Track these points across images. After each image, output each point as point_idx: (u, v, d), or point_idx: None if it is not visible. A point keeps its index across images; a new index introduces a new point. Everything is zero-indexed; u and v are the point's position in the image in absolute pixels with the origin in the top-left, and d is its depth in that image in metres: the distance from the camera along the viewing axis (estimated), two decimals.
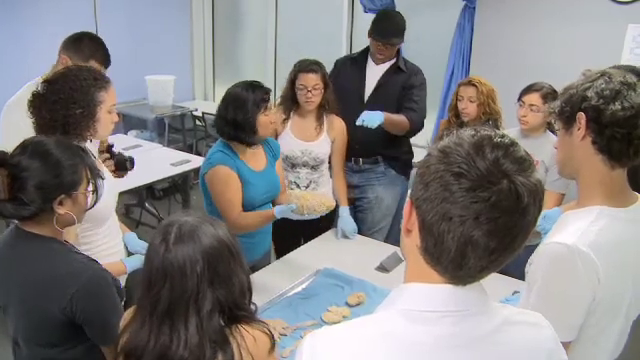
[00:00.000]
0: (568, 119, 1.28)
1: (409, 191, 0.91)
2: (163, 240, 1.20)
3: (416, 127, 3.04)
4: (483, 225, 0.79)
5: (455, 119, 2.97)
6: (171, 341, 1.19)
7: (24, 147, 1.46)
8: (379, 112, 2.79)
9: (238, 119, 2.30)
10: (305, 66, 2.71)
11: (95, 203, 1.58)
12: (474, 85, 2.86)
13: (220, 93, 6.26)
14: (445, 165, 0.81)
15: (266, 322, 1.33)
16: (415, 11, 4.60)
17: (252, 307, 1.32)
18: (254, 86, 2.32)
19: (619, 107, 1.20)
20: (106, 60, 2.47)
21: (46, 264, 1.47)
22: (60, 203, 1.47)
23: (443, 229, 0.81)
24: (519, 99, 2.69)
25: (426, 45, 4.56)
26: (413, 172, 3.25)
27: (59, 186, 1.46)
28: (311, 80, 2.68)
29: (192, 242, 1.20)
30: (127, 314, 1.33)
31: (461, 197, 0.79)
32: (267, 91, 2.34)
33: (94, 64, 2.36)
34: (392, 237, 3.33)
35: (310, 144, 2.81)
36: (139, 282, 1.25)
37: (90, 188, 1.55)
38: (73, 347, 1.53)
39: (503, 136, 0.85)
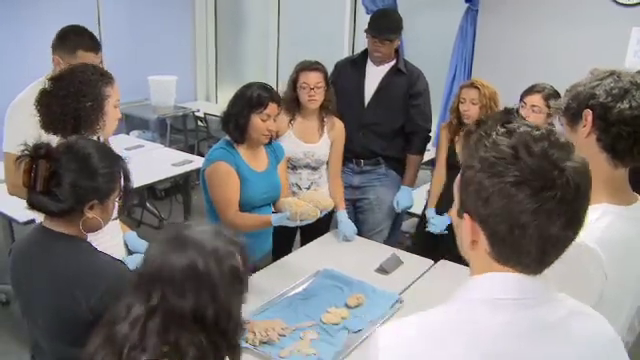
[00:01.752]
0: (574, 116, 1.28)
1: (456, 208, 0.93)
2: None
3: (426, 143, 3.19)
4: (556, 221, 0.83)
5: (457, 121, 2.97)
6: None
7: (69, 146, 1.48)
8: (407, 191, 3.13)
9: (230, 112, 2.32)
10: (307, 65, 2.72)
11: (121, 213, 1.59)
12: (476, 87, 2.86)
13: (222, 94, 6.34)
14: (498, 177, 0.83)
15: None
16: (417, 13, 4.60)
17: None
18: (260, 87, 2.31)
19: (627, 106, 1.21)
20: (93, 45, 2.42)
21: (73, 262, 1.48)
22: (91, 207, 1.48)
23: (519, 236, 0.84)
24: (521, 100, 2.69)
25: (428, 47, 4.56)
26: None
27: (94, 191, 1.47)
28: (313, 78, 2.68)
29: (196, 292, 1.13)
30: None
31: (528, 203, 0.82)
32: (271, 97, 2.29)
33: (82, 53, 2.35)
34: (392, 238, 3.33)
35: (312, 146, 2.81)
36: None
37: (118, 198, 1.56)
38: None
39: (537, 128, 0.87)
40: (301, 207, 2.20)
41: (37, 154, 1.42)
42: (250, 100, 2.28)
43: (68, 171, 1.43)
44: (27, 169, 1.41)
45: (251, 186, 2.36)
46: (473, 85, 2.88)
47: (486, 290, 0.89)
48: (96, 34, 2.52)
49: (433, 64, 4.45)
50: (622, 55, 3.44)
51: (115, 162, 1.54)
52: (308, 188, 2.82)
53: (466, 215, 0.90)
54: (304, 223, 2.21)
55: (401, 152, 3.16)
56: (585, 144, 1.26)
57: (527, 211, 0.82)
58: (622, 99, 1.21)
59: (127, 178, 1.57)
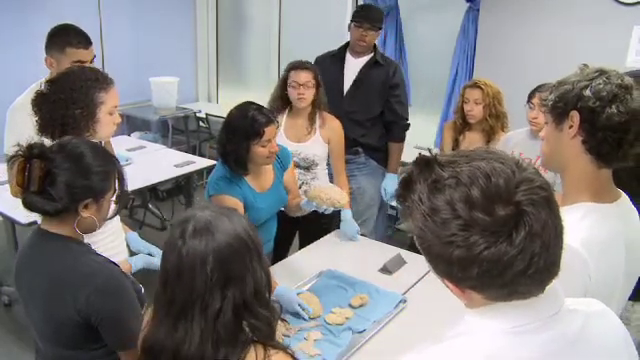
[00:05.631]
0: (560, 115, 1.26)
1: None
2: (180, 237, 1.15)
3: (405, 131, 3.33)
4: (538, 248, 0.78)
5: (461, 121, 2.98)
6: (184, 340, 1.13)
7: (61, 146, 1.47)
8: (392, 178, 3.24)
9: (227, 148, 2.22)
10: (298, 64, 2.74)
11: (117, 213, 1.58)
12: (479, 87, 2.87)
13: (224, 95, 6.34)
14: (457, 247, 0.79)
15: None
16: (419, 13, 4.61)
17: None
18: (254, 112, 2.18)
19: (615, 111, 1.18)
20: (80, 41, 2.39)
21: (64, 265, 1.47)
22: (85, 206, 1.47)
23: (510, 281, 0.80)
24: (528, 101, 2.68)
25: (429, 47, 4.55)
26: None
27: (89, 189, 1.46)
28: (303, 77, 2.69)
29: (205, 240, 1.13)
30: (148, 314, 1.28)
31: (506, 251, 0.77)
32: (267, 121, 2.17)
33: (71, 50, 2.34)
34: (379, 229, 3.47)
35: (300, 145, 2.80)
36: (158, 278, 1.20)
37: (114, 197, 1.55)
38: (94, 349, 1.51)
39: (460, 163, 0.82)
40: (324, 193, 2.27)
41: (30, 154, 1.40)
42: (246, 132, 2.16)
43: (62, 170, 1.42)
44: (21, 169, 1.40)
45: (257, 211, 2.32)
46: (476, 85, 2.89)
47: (505, 320, 0.85)
48: (98, 36, 2.53)
49: (435, 64, 4.45)
50: (623, 54, 3.44)
51: (109, 161, 1.53)
52: (299, 188, 2.81)
53: (446, 281, 0.86)
54: (320, 210, 2.29)
55: (379, 141, 3.30)
56: (570, 144, 1.25)
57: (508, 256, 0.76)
58: (610, 104, 1.18)
59: (121, 178, 1.55)
